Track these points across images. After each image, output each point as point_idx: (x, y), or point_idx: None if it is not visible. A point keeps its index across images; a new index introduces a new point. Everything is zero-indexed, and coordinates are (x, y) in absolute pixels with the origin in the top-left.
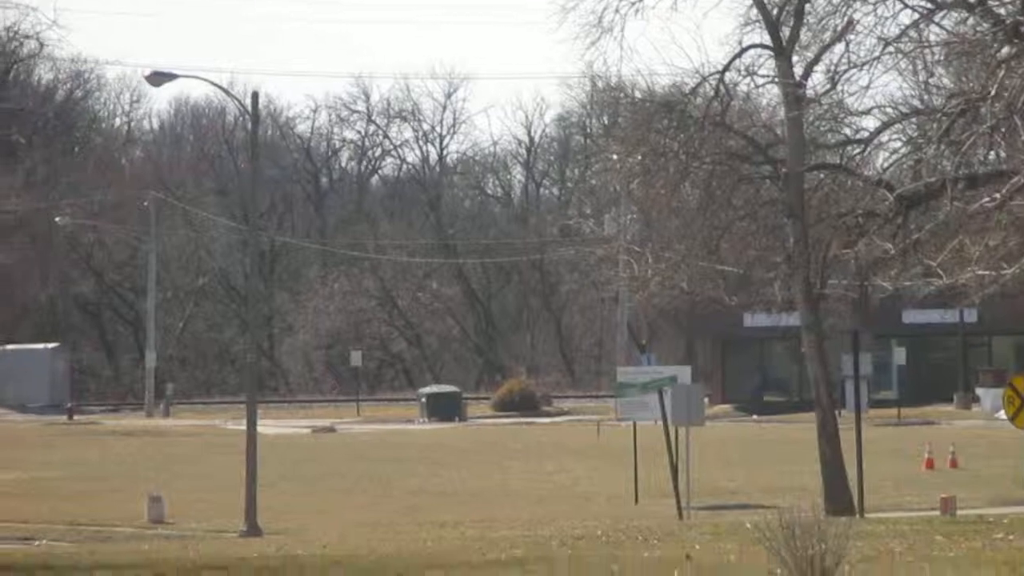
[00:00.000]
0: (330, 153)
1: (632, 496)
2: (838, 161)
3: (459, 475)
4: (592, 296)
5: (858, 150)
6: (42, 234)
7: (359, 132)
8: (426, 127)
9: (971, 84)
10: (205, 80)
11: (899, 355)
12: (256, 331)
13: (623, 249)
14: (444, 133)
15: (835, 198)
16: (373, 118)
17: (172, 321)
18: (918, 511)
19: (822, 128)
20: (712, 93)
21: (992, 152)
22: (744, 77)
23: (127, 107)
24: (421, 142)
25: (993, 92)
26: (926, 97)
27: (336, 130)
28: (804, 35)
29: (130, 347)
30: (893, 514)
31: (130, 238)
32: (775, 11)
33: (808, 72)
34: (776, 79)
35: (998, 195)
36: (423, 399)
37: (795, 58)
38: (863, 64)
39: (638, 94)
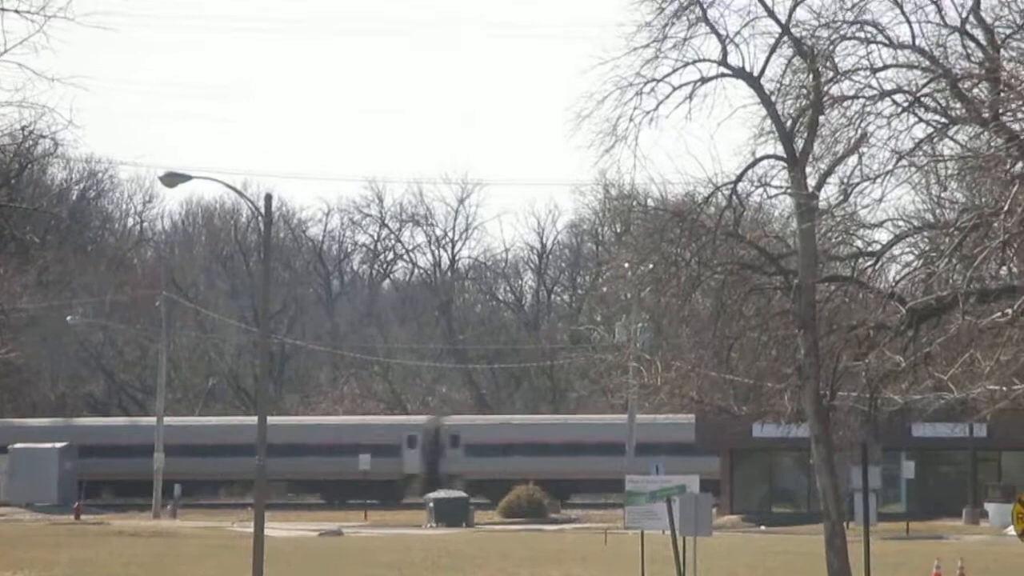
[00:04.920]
0: (342, 256)
1: None
2: (850, 273)
3: None
4: (602, 403)
5: (870, 262)
6: (53, 332)
7: (371, 236)
8: (438, 232)
9: (984, 199)
10: (219, 181)
11: (908, 469)
12: (265, 433)
13: (633, 357)
14: (456, 238)
15: (846, 310)
16: (386, 222)
17: None
18: None
19: (834, 240)
20: (725, 203)
21: (1004, 267)
22: (757, 187)
23: (140, 207)
24: (433, 247)
25: (1006, 207)
26: (939, 211)
27: (348, 233)
28: (818, 147)
29: None
30: None
31: (141, 338)
32: (789, 123)
33: (821, 184)
34: (789, 190)
35: (1010, 310)
36: (430, 504)
37: (808, 169)
38: (876, 177)
39: (651, 202)
